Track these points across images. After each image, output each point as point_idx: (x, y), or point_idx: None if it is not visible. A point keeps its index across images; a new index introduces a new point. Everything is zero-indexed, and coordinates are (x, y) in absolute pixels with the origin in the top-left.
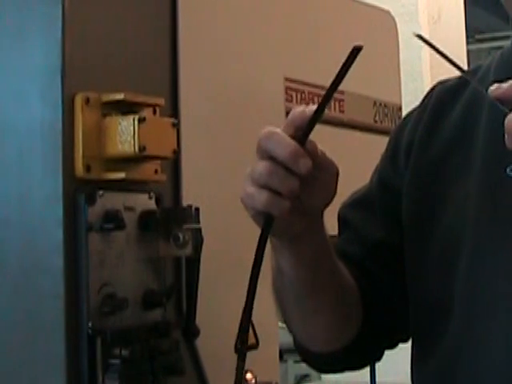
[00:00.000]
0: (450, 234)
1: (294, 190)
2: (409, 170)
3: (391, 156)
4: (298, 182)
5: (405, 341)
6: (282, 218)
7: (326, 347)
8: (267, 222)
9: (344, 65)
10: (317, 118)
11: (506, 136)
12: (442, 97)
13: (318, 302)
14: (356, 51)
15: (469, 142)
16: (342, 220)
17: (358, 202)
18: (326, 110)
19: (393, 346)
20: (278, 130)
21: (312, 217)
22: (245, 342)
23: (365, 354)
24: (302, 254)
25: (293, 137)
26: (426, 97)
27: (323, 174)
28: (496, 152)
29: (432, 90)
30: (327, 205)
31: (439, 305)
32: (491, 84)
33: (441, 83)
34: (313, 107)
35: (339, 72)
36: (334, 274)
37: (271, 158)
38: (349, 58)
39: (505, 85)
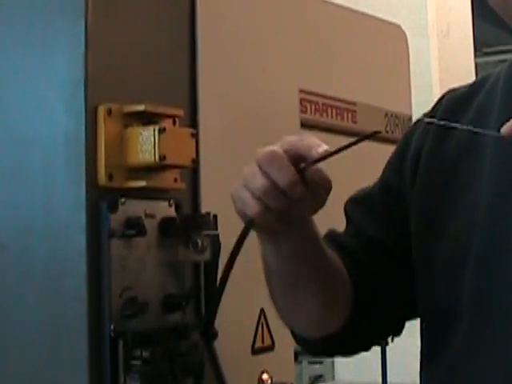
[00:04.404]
0: (458, 239)
1: (284, 208)
2: (418, 176)
3: (398, 160)
4: (288, 201)
5: (395, 335)
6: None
7: (314, 333)
8: (248, 227)
9: (361, 139)
10: (321, 160)
11: None
12: (452, 104)
13: (302, 293)
14: (374, 134)
15: (479, 149)
16: (346, 214)
17: (360, 199)
18: (339, 122)
19: (382, 338)
20: (280, 153)
21: (297, 221)
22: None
23: (353, 342)
24: (284, 250)
25: (292, 157)
26: (436, 104)
27: (317, 188)
28: (505, 159)
29: (442, 97)
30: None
31: (448, 308)
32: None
33: (451, 91)
34: (322, 148)
35: (355, 142)
36: (320, 267)
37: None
38: (367, 136)
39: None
